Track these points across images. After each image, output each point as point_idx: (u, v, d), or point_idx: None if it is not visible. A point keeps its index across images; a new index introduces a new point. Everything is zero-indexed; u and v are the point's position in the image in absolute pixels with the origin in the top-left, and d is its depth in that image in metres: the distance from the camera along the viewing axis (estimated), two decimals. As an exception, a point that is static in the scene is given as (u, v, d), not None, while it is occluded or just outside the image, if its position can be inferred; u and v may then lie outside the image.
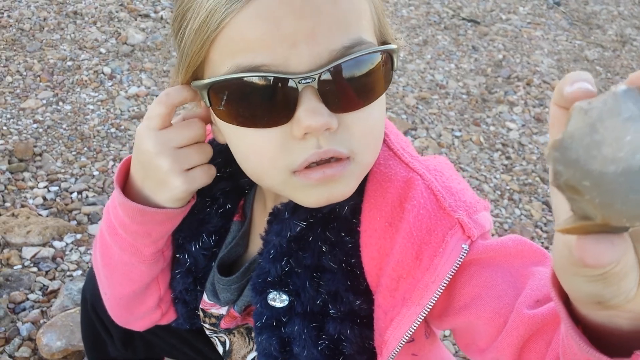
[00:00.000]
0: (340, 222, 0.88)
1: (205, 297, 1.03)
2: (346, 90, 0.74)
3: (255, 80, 0.72)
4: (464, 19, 4.32)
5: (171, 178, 0.86)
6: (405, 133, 2.96)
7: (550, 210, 2.61)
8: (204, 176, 0.89)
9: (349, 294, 0.87)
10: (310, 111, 0.72)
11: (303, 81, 0.71)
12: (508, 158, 2.93)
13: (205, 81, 0.77)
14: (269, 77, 0.71)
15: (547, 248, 2.39)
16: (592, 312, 0.55)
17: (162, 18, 3.54)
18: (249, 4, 0.70)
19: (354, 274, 0.88)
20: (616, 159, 0.41)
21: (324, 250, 0.88)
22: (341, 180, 0.78)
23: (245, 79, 0.72)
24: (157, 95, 3.04)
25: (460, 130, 3.07)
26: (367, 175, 0.86)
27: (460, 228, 0.80)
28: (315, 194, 0.79)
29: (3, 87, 2.79)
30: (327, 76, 0.72)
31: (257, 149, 0.78)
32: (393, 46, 0.79)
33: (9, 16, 3.30)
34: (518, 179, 2.79)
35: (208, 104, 0.79)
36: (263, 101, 0.73)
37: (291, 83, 0.71)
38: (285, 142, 0.75)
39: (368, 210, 0.86)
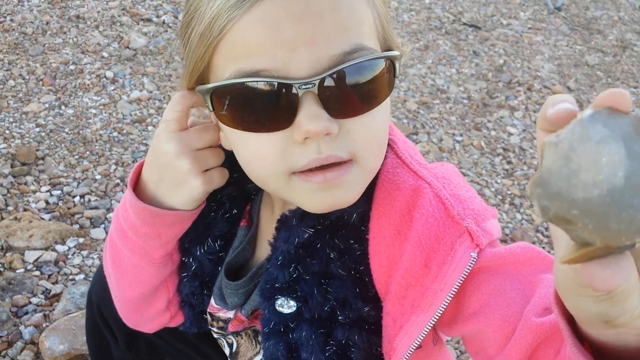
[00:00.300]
0: (348, 229, 0.88)
1: (212, 301, 1.04)
2: (347, 96, 0.75)
3: (256, 85, 0.73)
4: (465, 24, 4.33)
5: (191, 178, 0.88)
6: (407, 138, 2.97)
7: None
8: (220, 178, 0.92)
9: (358, 300, 0.88)
10: (310, 116, 0.72)
11: (303, 86, 0.72)
12: (509, 163, 2.94)
13: (208, 86, 0.78)
14: (269, 82, 0.72)
15: (549, 252, 2.40)
16: (598, 331, 0.55)
17: (164, 22, 3.55)
18: (251, 10, 0.71)
19: (363, 281, 0.88)
20: (598, 182, 0.42)
21: (332, 257, 0.88)
22: (343, 186, 0.78)
23: (246, 83, 0.73)
24: (159, 100, 3.03)
25: (461, 135, 3.08)
26: (375, 183, 0.87)
27: (469, 236, 0.80)
28: (319, 199, 0.79)
29: (6, 91, 2.80)
30: (327, 82, 0.73)
31: (259, 154, 0.79)
32: (395, 53, 0.79)
33: (11, 20, 3.31)
34: (519, 183, 2.80)
35: (211, 109, 0.80)
36: (264, 106, 0.74)
37: (291, 88, 0.72)
38: (286, 147, 0.76)
39: (377, 218, 0.86)
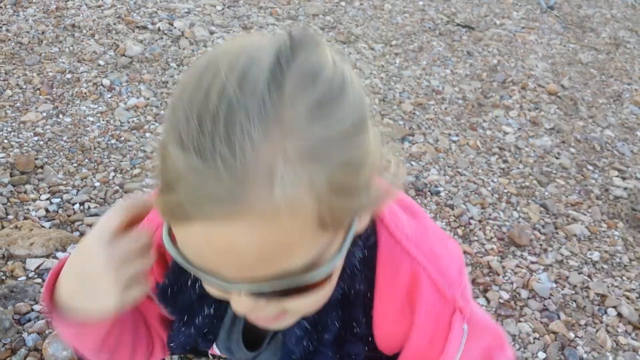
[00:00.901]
0: (353, 305, 0.93)
1: (215, 348, 1.05)
2: (280, 296, 0.72)
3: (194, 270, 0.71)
4: (458, 24, 4.36)
5: (108, 296, 0.80)
6: (403, 139, 2.98)
7: (547, 212, 2.63)
8: (139, 294, 0.85)
9: (367, 352, 0.96)
10: (242, 305, 0.73)
11: (234, 286, 0.69)
12: (505, 162, 2.96)
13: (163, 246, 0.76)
14: (203, 277, 0.70)
15: (545, 250, 2.41)
16: None
17: (159, 30, 3.56)
18: (181, 227, 0.66)
19: (371, 342, 0.96)
20: None
21: (341, 328, 0.93)
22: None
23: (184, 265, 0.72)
24: (156, 106, 3.01)
25: (457, 135, 3.10)
26: (374, 263, 0.89)
27: (459, 312, 0.89)
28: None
29: (3, 101, 2.81)
30: (256, 290, 0.70)
31: (205, 285, 0.80)
32: (328, 268, 0.71)
33: (7, 30, 3.32)
34: (515, 182, 2.82)
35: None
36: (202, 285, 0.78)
37: (223, 285, 0.69)
38: (225, 293, 0.75)
39: (380, 300, 0.92)
